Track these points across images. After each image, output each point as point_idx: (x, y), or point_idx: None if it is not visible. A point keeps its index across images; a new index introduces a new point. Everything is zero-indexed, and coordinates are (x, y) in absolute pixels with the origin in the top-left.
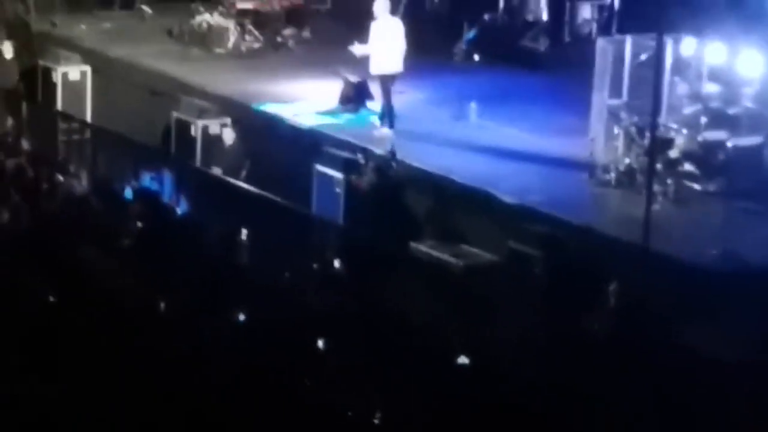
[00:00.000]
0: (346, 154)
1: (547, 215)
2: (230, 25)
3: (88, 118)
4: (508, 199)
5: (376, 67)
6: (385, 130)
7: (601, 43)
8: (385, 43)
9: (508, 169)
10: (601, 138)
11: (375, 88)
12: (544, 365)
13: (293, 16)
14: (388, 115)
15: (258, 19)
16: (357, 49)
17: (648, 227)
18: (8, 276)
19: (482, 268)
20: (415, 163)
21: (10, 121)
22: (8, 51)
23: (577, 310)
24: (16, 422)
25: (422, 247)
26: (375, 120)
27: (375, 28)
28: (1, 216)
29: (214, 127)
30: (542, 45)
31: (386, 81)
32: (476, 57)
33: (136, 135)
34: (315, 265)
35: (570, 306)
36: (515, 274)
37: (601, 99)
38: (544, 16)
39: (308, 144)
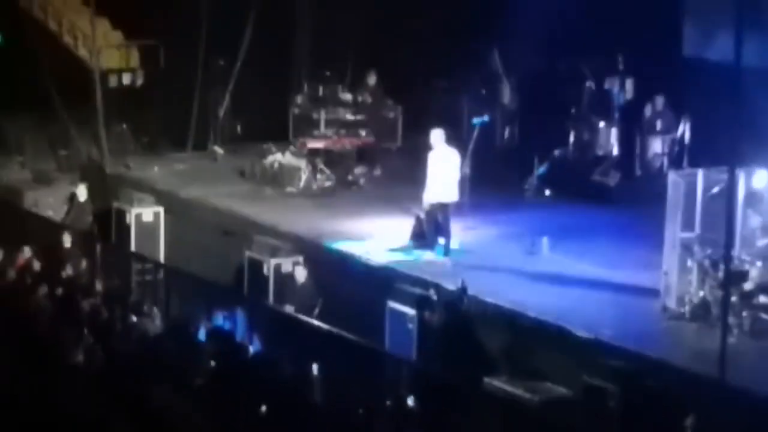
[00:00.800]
0: (418, 291)
1: (621, 349)
2: (302, 164)
3: (162, 258)
4: (581, 333)
5: (433, 196)
6: (440, 258)
7: (672, 177)
8: (442, 172)
9: (581, 303)
10: (675, 271)
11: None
12: None
13: (364, 155)
14: (445, 244)
15: (329, 158)
16: (427, 199)
17: (724, 360)
18: (84, 416)
19: (557, 402)
20: (488, 298)
21: (84, 263)
22: (82, 193)
23: None
24: None
25: (496, 383)
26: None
27: (432, 157)
28: (75, 356)
29: (286, 266)
30: (613, 179)
31: (441, 210)
32: (547, 192)
33: (209, 274)
34: (389, 402)
35: None
36: (590, 409)
37: (673, 232)
38: (615, 151)
39: (380, 281)
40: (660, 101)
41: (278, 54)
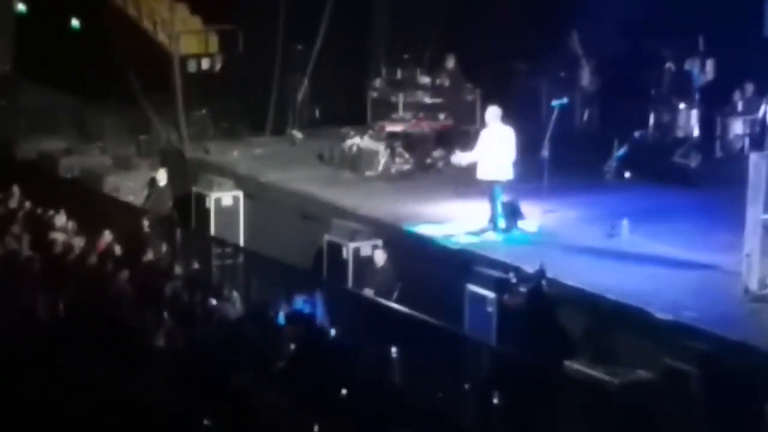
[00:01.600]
0: (497, 274)
1: (702, 331)
2: (380, 148)
3: (241, 242)
4: (662, 315)
5: (484, 173)
6: (491, 234)
7: (754, 158)
8: (494, 150)
9: (661, 285)
10: (757, 253)
11: (526, 208)
12: None
13: (443, 138)
14: (493, 220)
15: (408, 141)
16: (458, 157)
17: None
18: (164, 400)
19: (638, 385)
20: (568, 281)
21: (164, 247)
22: (162, 178)
23: (737, 428)
24: None
25: (576, 366)
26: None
27: (485, 135)
28: (157, 341)
29: (365, 249)
30: (694, 161)
31: (493, 187)
32: (627, 174)
33: (289, 258)
34: (468, 386)
35: (729, 423)
36: (671, 392)
37: (755, 214)
38: (695, 133)
39: (459, 264)
40: (750, 88)
41: (356, 38)
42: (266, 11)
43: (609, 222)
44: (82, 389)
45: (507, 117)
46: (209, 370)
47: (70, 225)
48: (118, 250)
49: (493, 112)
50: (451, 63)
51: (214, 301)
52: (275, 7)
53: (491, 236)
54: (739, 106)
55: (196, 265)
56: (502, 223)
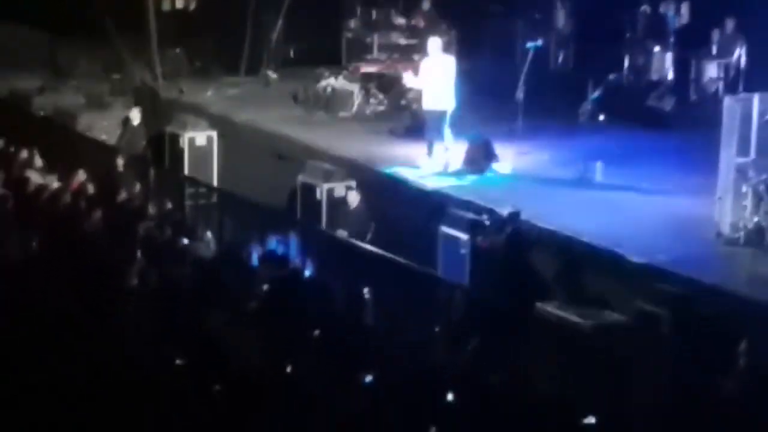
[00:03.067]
0: (471, 216)
1: (674, 275)
2: (354, 89)
3: (215, 182)
4: (635, 258)
5: (428, 103)
6: (427, 159)
7: (728, 102)
8: (436, 80)
9: (634, 228)
10: (729, 197)
11: (499, 149)
12: (673, 427)
13: None
14: (429, 147)
15: (382, 82)
16: (408, 79)
17: None
18: (135, 340)
19: (610, 328)
20: (541, 224)
21: (138, 186)
22: (136, 117)
23: (708, 371)
24: None
25: (549, 308)
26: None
27: (425, 65)
28: (129, 280)
29: (339, 190)
30: (668, 104)
31: (436, 116)
32: (601, 117)
33: (262, 199)
34: (441, 327)
35: (700, 366)
36: (644, 334)
37: (728, 157)
38: (670, 76)
39: (433, 206)
40: (731, 24)
41: None
42: None
43: (582, 164)
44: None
45: (482, 58)
46: (182, 310)
47: (43, 163)
48: (91, 189)
49: (434, 43)
50: (426, 4)
51: (187, 241)
52: None
53: (427, 164)
54: (714, 50)
55: (169, 205)
56: (444, 155)
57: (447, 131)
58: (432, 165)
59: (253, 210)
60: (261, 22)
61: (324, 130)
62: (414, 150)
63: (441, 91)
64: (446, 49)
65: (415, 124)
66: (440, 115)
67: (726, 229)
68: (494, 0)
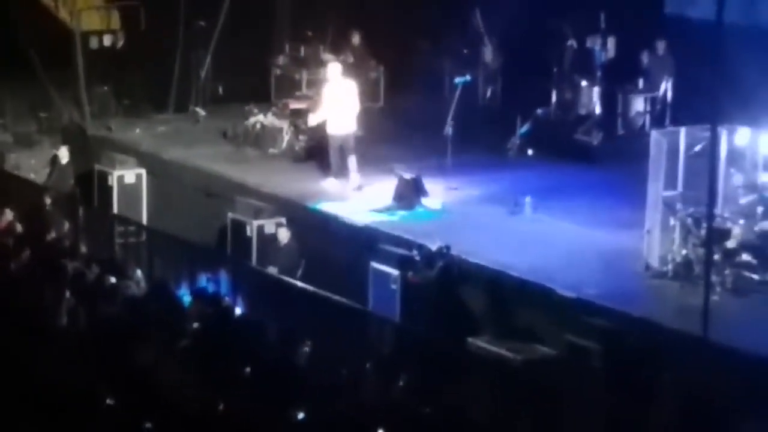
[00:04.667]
0: (401, 251)
1: (604, 308)
2: (284, 125)
3: (144, 220)
4: (564, 292)
5: (331, 128)
6: (333, 181)
7: (655, 135)
8: (339, 104)
9: (564, 262)
10: (657, 230)
11: (429, 185)
12: None
13: None
14: (337, 170)
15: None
16: (312, 120)
17: (707, 318)
18: (66, 379)
19: (540, 362)
20: (471, 258)
21: (66, 225)
22: (64, 156)
23: (637, 402)
24: None
25: (480, 342)
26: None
27: (328, 90)
28: (59, 319)
29: (269, 227)
30: (595, 138)
31: (340, 140)
32: (530, 151)
33: (192, 236)
34: (372, 362)
35: (629, 397)
36: (574, 368)
37: (656, 190)
38: (597, 110)
39: (363, 241)
40: (662, 45)
41: (259, 15)
42: None
43: (512, 199)
44: None
45: (410, 94)
46: (112, 349)
47: None
48: (19, 228)
49: (334, 68)
50: (356, 39)
51: (117, 280)
52: None
53: (332, 182)
54: (641, 83)
55: (98, 244)
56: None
57: (352, 156)
58: (359, 199)
59: (183, 248)
60: (189, 59)
61: (253, 167)
62: (342, 186)
63: (344, 115)
64: (375, 84)
65: (316, 148)
66: (344, 139)
67: (655, 263)
68: (422, 35)
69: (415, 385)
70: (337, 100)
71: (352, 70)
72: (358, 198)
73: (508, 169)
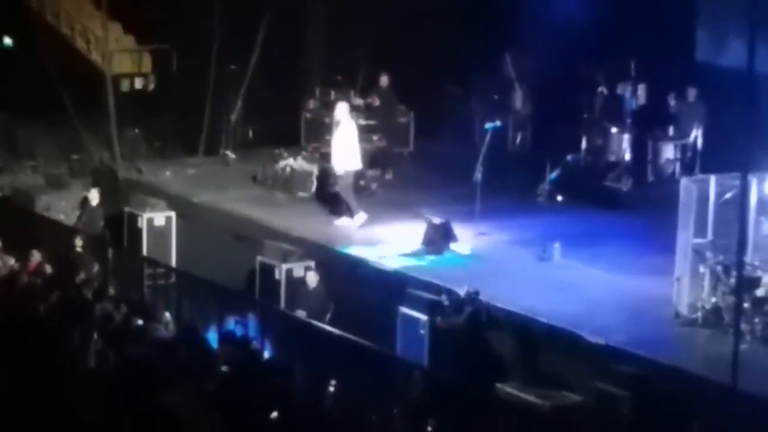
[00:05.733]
0: (429, 296)
1: (633, 355)
2: (313, 168)
3: (173, 262)
4: (593, 339)
5: (340, 166)
6: (346, 220)
7: (685, 183)
8: (349, 144)
9: (593, 308)
10: (687, 277)
11: (458, 230)
12: None
13: (376, 159)
14: (347, 208)
15: None
16: (338, 167)
17: (736, 367)
18: (93, 421)
19: (569, 409)
20: (500, 304)
21: (96, 267)
22: (94, 198)
23: None
24: None
25: (508, 389)
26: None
27: (340, 131)
28: (86, 361)
29: (298, 271)
30: (625, 185)
31: (350, 178)
32: (559, 197)
33: (221, 279)
34: (400, 407)
35: None
36: (602, 415)
37: (686, 238)
38: (627, 157)
39: (392, 286)
40: (693, 93)
41: (290, 59)
42: (200, 31)
43: (541, 245)
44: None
45: (440, 139)
46: (139, 391)
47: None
48: (48, 269)
49: (343, 108)
50: (384, 81)
51: (145, 322)
52: (209, 27)
53: (346, 221)
54: (671, 130)
55: (127, 286)
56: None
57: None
58: (392, 246)
59: (211, 290)
60: (220, 102)
61: (283, 210)
62: (371, 230)
63: (351, 153)
64: (405, 128)
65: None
66: (353, 176)
67: (684, 310)
68: (452, 81)
69: (443, 431)
70: (344, 139)
71: (378, 112)
72: (387, 243)
73: (538, 215)
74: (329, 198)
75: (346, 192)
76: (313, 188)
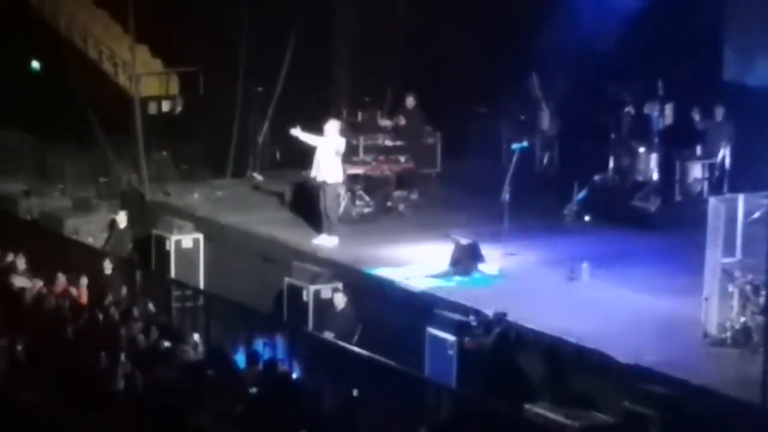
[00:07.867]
0: (457, 317)
1: (662, 375)
2: (341, 190)
3: (201, 285)
4: (622, 359)
5: (330, 177)
6: (324, 238)
7: (713, 202)
8: (331, 156)
9: (621, 329)
10: (715, 297)
11: (486, 250)
12: None
13: (403, 181)
14: (326, 223)
15: (368, 184)
16: (297, 132)
17: (766, 387)
18: None
19: (598, 429)
20: (528, 324)
21: (124, 289)
22: (122, 220)
23: None
24: None
25: (536, 409)
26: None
27: (323, 142)
28: (115, 383)
29: (325, 292)
30: (653, 205)
31: (328, 188)
32: (587, 217)
33: (249, 301)
34: (428, 428)
35: None
36: None
37: (714, 257)
38: (655, 176)
39: (420, 307)
40: (720, 112)
41: (317, 80)
42: (227, 53)
43: (569, 265)
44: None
45: (467, 160)
46: (168, 413)
47: (28, 267)
48: (75, 292)
49: (334, 125)
50: (411, 102)
51: (174, 344)
52: (236, 50)
53: (324, 238)
54: (699, 150)
55: (155, 308)
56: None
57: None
58: (419, 267)
59: (239, 312)
60: (247, 124)
61: (311, 232)
62: (399, 251)
63: (336, 167)
64: (432, 149)
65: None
66: (332, 187)
67: (713, 330)
68: (479, 101)
69: None
70: (330, 153)
71: (404, 132)
72: (415, 264)
73: (565, 235)
74: (307, 213)
75: (333, 204)
76: (341, 210)
